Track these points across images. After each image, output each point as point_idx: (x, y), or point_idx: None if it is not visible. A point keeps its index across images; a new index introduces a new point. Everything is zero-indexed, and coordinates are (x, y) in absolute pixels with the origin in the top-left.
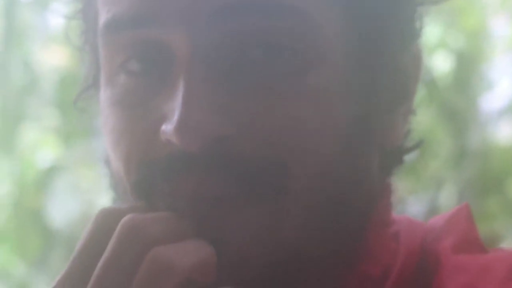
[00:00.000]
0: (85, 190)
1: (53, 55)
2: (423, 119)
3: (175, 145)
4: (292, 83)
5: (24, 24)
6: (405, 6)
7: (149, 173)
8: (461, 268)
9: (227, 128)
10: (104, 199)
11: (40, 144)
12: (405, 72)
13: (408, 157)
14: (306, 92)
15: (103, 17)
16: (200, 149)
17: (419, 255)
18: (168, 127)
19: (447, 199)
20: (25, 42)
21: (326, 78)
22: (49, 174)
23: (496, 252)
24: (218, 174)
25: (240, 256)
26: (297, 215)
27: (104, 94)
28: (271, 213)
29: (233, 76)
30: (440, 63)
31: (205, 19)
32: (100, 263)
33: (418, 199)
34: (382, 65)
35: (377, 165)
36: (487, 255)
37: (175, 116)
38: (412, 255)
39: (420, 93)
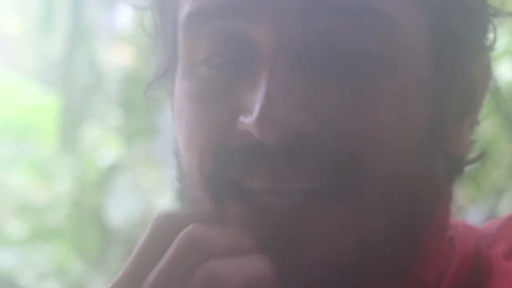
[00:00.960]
0: (145, 190)
1: (118, 54)
2: (486, 127)
3: (253, 135)
4: (374, 85)
5: (90, 22)
6: (482, 17)
7: (224, 164)
8: (511, 275)
9: (307, 124)
10: (164, 199)
11: (103, 143)
12: (475, 82)
13: (469, 166)
14: (387, 94)
15: (186, 7)
16: (279, 143)
17: (472, 261)
18: (247, 119)
19: (507, 208)
20: (91, 41)
21: (406, 82)
22: (110, 173)
23: None
24: (295, 168)
25: (312, 253)
26: (373, 213)
27: (181, 86)
28: (348, 209)
29: (316, 74)
30: (505, 72)
31: (293, 15)
32: (155, 271)
33: (478, 208)
34: (455, 73)
35: (442, 172)
36: None
37: (256, 108)
38: (465, 261)
39: (485, 102)
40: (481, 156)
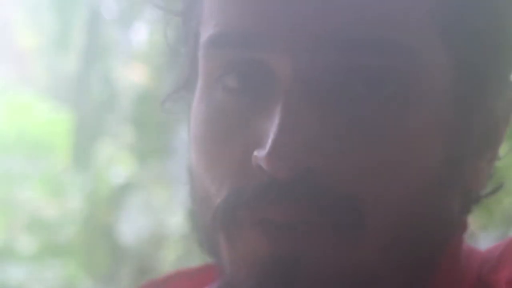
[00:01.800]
0: (157, 209)
1: (133, 72)
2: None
3: (265, 173)
4: (388, 124)
5: (106, 40)
6: (507, 52)
7: (235, 202)
8: None
9: (316, 159)
10: (175, 218)
11: (115, 161)
12: (497, 118)
13: (486, 198)
14: (401, 134)
15: (209, 29)
16: (289, 177)
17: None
18: (260, 153)
19: None
20: (106, 58)
21: (424, 121)
22: (121, 191)
23: None
24: (302, 204)
25: (315, 276)
26: (372, 249)
27: (198, 107)
28: (347, 246)
29: (330, 109)
30: None
31: (312, 48)
32: None
33: (489, 235)
34: (477, 111)
35: (458, 205)
36: None
37: (268, 142)
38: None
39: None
40: (498, 189)
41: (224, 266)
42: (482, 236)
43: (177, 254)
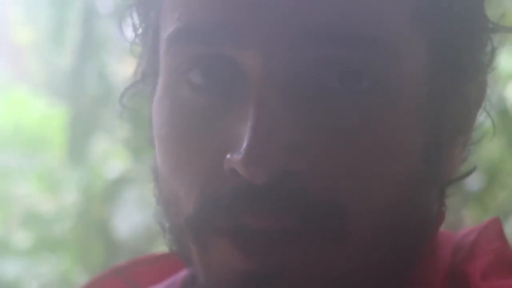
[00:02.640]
0: (152, 203)
1: (128, 67)
2: (492, 148)
3: (240, 177)
4: (367, 120)
5: (101, 35)
6: (481, 36)
7: (210, 210)
8: None
9: (294, 163)
10: None
11: (110, 155)
12: (469, 102)
13: (476, 187)
14: (381, 129)
15: (171, 23)
16: (266, 183)
17: (449, 276)
18: (234, 157)
19: None
20: (101, 54)
21: (402, 114)
22: (117, 186)
23: None
24: (281, 209)
25: None
26: (356, 250)
27: (161, 104)
28: (330, 255)
29: (306, 108)
30: None
31: (285, 44)
32: None
33: None
34: (452, 96)
35: (435, 196)
36: None
37: (244, 146)
38: (445, 278)
39: (492, 123)
40: (472, 172)
41: (196, 273)
42: None
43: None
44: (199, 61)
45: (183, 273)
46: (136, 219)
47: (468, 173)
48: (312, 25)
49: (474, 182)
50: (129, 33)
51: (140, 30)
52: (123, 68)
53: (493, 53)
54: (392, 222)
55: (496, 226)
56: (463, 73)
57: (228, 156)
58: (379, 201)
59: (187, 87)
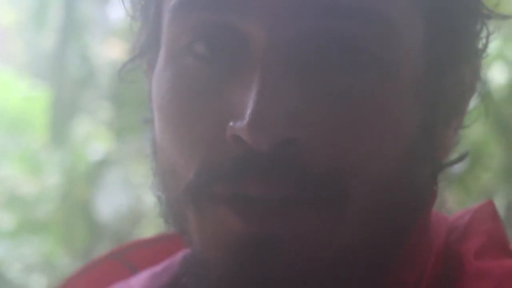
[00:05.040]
0: (135, 185)
1: (110, 48)
2: (476, 130)
3: (242, 145)
4: (367, 92)
5: (83, 16)
6: (477, 20)
7: (210, 176)
8: (483, 275)
9: (297, 131)
10: (153, 195)
11: (93, 137)
12: (464, 85)
13: (459, 169)
14: (381, 103)
15: None
16: (269, 150)
17: (443, 257)
18: (238, 123)
19: None
20: (83, 35)
21: (401, 89)
22: (99, 167)
23: None
24: (281, 177)
25: (293, 256)
26: (354, 220)
27: (163, 75)
28: (329, 223)
29: (309, 77)
30: (496, 75)
31: (289, 14)
32: None
33: None
34: (447, 78)
35: (428, 175)
36: (511, 260)
37: (248, 112)
38: (439, 258)
39: (476, 105)
40: (464, 157)
41: (192, 241)
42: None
43: (155, 230)
44: (203, 30)
45: (180, 255)
46: (119, 200)
47: (462, 157)
48: None
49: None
50: (112, 14)
51: (141, 3)
52: (106, 50)
53: (487, 39)
54: (388, 195)
55: (489, 208)
56: (458, 56)
57: (231, 123)
58: (377, 173)
59: (190, 57)
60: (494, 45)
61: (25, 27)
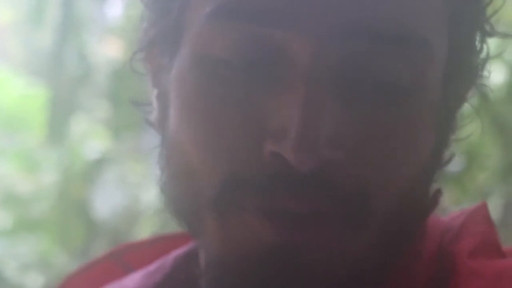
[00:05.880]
0: (131, 184)
1: (108, 47)
2: (472, 130)
3: (280, 161)
4: (400, 120)
5: (81, 15)
6: (482, 41)
7: (242, 189)
8: (476, 275)
9: (338, 153)
10: (149, 193)
11: (90, 136)
12: (462, 100)
13: (455, 168)
14: (409, 128)
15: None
16: (311, 170)
17: (437, 257)
18: (283, 142)
19: (492, 211)
20: (81, 33)
21: (427, 108)
22: (96, 166)
23: None
24: (316, 195)
25: (316, 271)
26: (372, 232)
27: (189, 73)
28: (355, 231)
29: (349, 101)
30: (493, 75)
31: (337, 36)
32: None
33: None
34: (459, 96)
35: (432, 187)
36: (504, 260)
37: (292, 131)
38: (433, 258)
39: (473, 104)
40: (451, 157)
41: (209, 245)
42: (456, 211)
43: (152, 228)
44: (241, 45)
45: (172, 254)
46: (115, 199)
47: (449, 159)
48: (364, 18)
49: (453, 164)
50: (110, 12)
51: None
52: (103, 48)
53: (487, 58)
54: (401, 209)
55: (483, 211)
56: (465, 76)
57: (273, 140)
58: (396, 192)
59: (224, 65)
60: (490, 45)
61: (23, 25)
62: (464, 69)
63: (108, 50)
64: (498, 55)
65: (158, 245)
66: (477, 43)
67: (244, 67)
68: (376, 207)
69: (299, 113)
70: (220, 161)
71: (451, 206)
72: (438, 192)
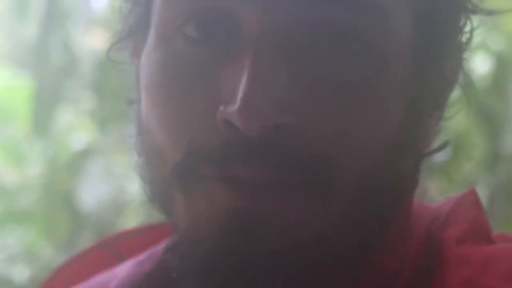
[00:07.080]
0: (117, 175)
1: (93, 38)
2: (458, 120)
3: (232, 129)
4: (356, 81)
5: (66, 6)
6: (462, 14)
7: (199, 158)
8: (464, 261)
9: (287, 116)
10: (135, 185)
11: (75, 127)
12: (446, 77)
13: (441, 158)
14: (369, 91)
15: None
16: (260, 135)
17: (425, 245)
18: (229, 108)
19: None
20: (66, 24)
21: (389, 79)
22: (82, 157)
23: (503, 243)
24: (271, 162)
25: (278, 234)
26: (338, 204)
27: (152, 56)
28: (315, 207)
29: (301, 65)
30: (479, 65)
31: (283, 2)
32: None
33: None
34: (431, 71)
35: (410, 164)
36: (492, 246)
37: (239, 97)
38: (421, 245)
39: (458, 94)
40: (445, 146)
41: (178, 222)
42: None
43: (138, 220)
44: (194, 14)
45: (164, 242)
46: (101, 190)
47: (442, 147)
48: None
49: (439, 154)
50: (95, 3)
51: None
52: (88, 39)
53: (471, 33)
54: (371, 182)
55: (472, 197)
56: (443, 50)
57: (222, 107)
58: (361, 160)
59: (180, 39)
60: (476, 35)
61: (7, 17)
62: (442, 44)
63: (93, 41)
64: (483, 45)
65: (148, 233)
66: (460, 20)
67: (199, 39)
68: (339, 175)
69: (246, 79)
70: (181, 134)
71: (437, 196)
72: (416, 171)
